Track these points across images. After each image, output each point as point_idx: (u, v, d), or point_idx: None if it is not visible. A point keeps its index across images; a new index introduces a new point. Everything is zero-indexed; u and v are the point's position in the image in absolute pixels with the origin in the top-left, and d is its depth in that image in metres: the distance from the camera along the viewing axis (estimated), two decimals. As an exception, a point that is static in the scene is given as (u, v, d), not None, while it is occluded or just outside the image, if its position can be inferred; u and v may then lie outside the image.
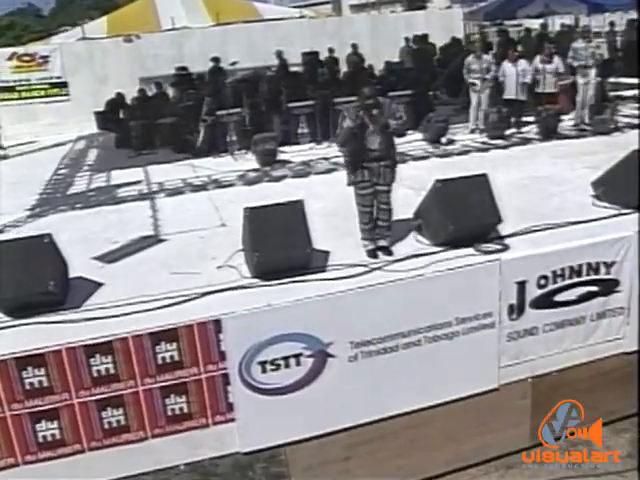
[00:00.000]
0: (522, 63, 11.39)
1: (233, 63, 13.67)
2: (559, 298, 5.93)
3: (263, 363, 5.23)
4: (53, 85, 17.22)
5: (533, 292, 5.82)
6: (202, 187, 9.40)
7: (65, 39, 18.12)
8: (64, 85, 17.23)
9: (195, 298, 5.45)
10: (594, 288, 6.05)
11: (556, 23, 18.54)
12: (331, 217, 7.18)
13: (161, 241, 7.12)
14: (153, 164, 11.38)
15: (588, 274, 5.97)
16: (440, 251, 5.96)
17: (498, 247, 5.90)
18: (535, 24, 18.44)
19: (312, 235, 6.04)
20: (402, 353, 5.54)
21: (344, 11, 33.75)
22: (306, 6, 27.26)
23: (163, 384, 5.13)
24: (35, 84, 17.14)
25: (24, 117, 16.82)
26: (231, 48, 16.69)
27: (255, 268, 5.61)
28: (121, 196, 9.37)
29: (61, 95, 17.29)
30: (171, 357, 5.08)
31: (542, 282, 5.82)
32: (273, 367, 5.26)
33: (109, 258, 6.63)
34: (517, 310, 5.81)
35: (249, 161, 10.80)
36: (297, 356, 5.29)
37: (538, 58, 11.68)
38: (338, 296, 5.29)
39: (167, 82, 14.94)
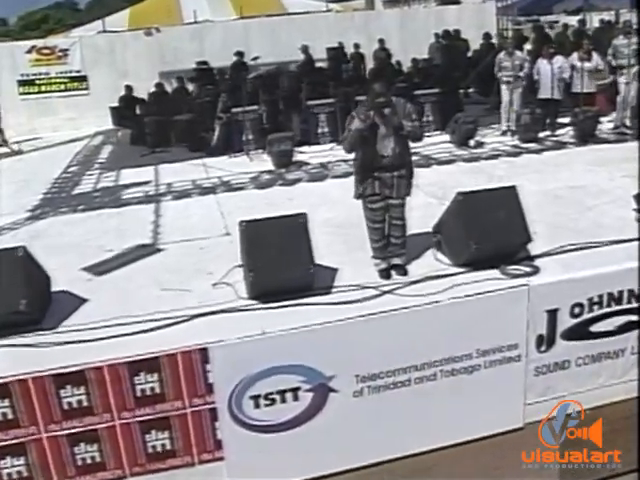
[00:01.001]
0: (559, 60, 10.62)
1: (255, 58, 13.13)
2: (595, 328, 5.25)
3: (256, 397, 4.65)
4: (72, 79, 16.80)
5: (566, 322, 5.15)
6: (211, 190, 8.83)
7: (85, 32, 17.67)
8: (83, 79, 16.81)
9: (183, 321, 4.87)
10: (635, 317, 5.34)
11: (594, 19, 17.62)
12: (343, 228, 6.56)
13: (158, 250, 6.56)
14: (165, 163, 10.88)
15: (629, 302, 5.27)
16: (461, 273, 5.29)
17: (527, 270, 5.21)
18: (571, 20, 17.60)
19: (320, 248, 5.49)
20: (414, 388, 4.91)
21: (377, 6, 32.95)
22: (339, 0, 26.50)
23: (143, 418, 4.58)
24: (54, 78, 16.71)
25: (43, 111, 16.50)
26: (254, 42, 16.20)
27: (251, 289, 5.02)
28: (126, 198, 8.85)
29: (80, 89, 16.87)
30: (152, 389, 4.52)
31: (576, 310, 5.15)
32: (267, 402, 4.68)
33: (99, 269, 6.10)
34: (547, 341, 5.14)
35: (265, 162, 10.21)
36: (295, 390, 4.70)
37: (575, 55, 10.90)
38: (343, 324, 4.68)
39: (188, 77, 14.51)
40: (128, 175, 10.33)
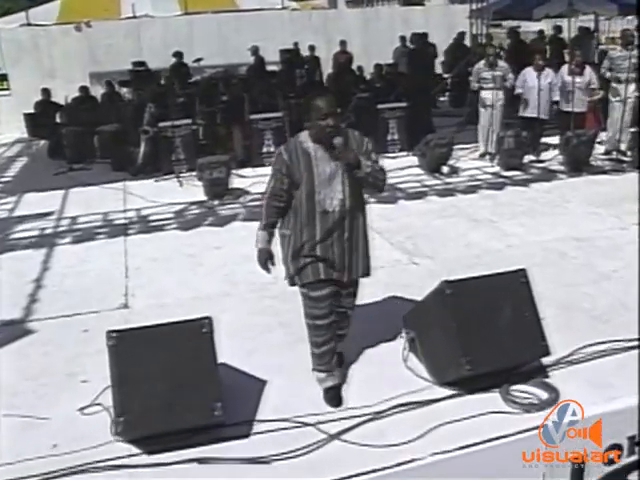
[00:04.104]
0: (549, 75, 9.04)
1: (197, 60, 11.39)
2: (636, 476, 3.64)
3: None
4: (-10, 77, 14.89)
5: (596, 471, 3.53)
6: (123, 230, 7.00)
7: (5, 24, 15.60)
8: (3, 78, 14.97)
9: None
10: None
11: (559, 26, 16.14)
12: (283, 300, 4.80)
13: (25, 333, 4.74)
14: (79, 186, 9.03)
15: (684, 436, 3.68)
16: (445, 398, 3.61)
17: (541, 396, 3.57)
18: (536, 26, 16.31)
19: (247, 337, 4.26)
20: None
21: (339, 5, 31.36)
22: (298, -1, 24.71)
23: None
24: (-31, 75, 14.81)
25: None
26: (199, 41, 14.54)
27: (122, 434, 3.25)
28: (14, 238, 6.98)
29: (0, 89, 14.95)
30: None
31: (611, 455, 3.53)
32: None
33: None
34: (570, 500, 3.52)
35: (198, 187, 8.39)
36: None
37: (566, 69, 9.36)
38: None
39: (118, 80, 12.68)
40: (31, 201, 8.51)
